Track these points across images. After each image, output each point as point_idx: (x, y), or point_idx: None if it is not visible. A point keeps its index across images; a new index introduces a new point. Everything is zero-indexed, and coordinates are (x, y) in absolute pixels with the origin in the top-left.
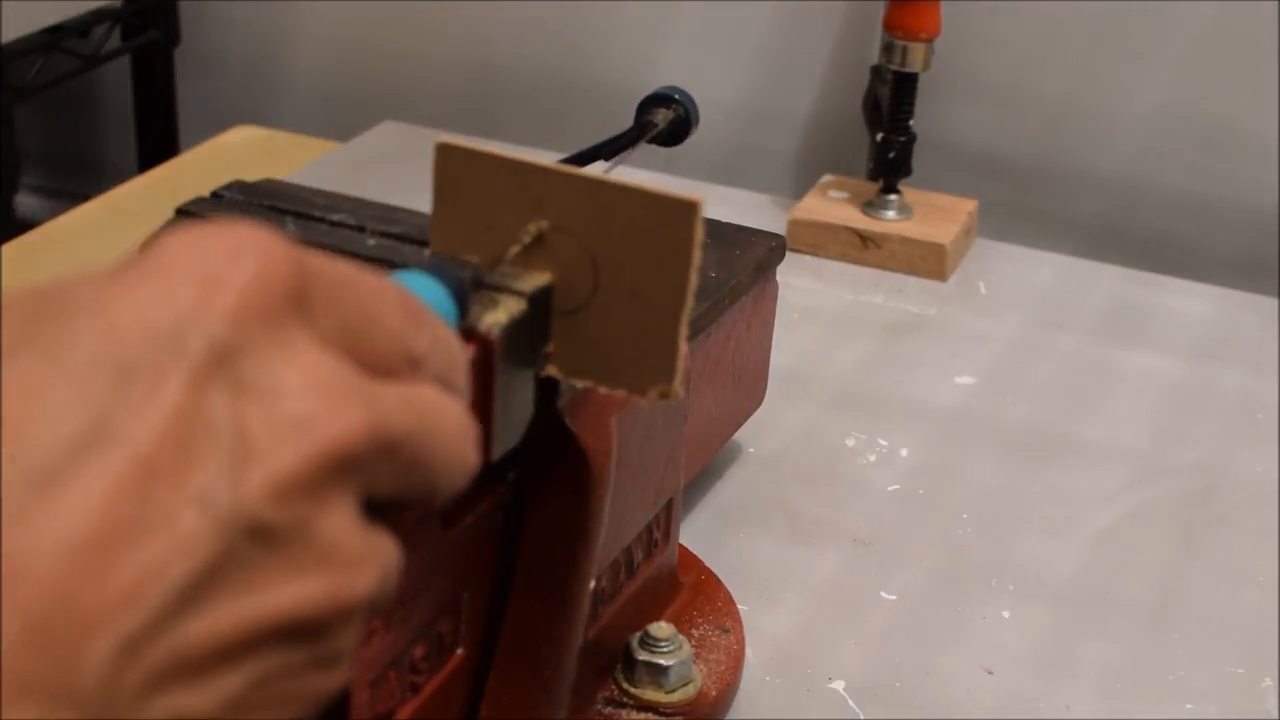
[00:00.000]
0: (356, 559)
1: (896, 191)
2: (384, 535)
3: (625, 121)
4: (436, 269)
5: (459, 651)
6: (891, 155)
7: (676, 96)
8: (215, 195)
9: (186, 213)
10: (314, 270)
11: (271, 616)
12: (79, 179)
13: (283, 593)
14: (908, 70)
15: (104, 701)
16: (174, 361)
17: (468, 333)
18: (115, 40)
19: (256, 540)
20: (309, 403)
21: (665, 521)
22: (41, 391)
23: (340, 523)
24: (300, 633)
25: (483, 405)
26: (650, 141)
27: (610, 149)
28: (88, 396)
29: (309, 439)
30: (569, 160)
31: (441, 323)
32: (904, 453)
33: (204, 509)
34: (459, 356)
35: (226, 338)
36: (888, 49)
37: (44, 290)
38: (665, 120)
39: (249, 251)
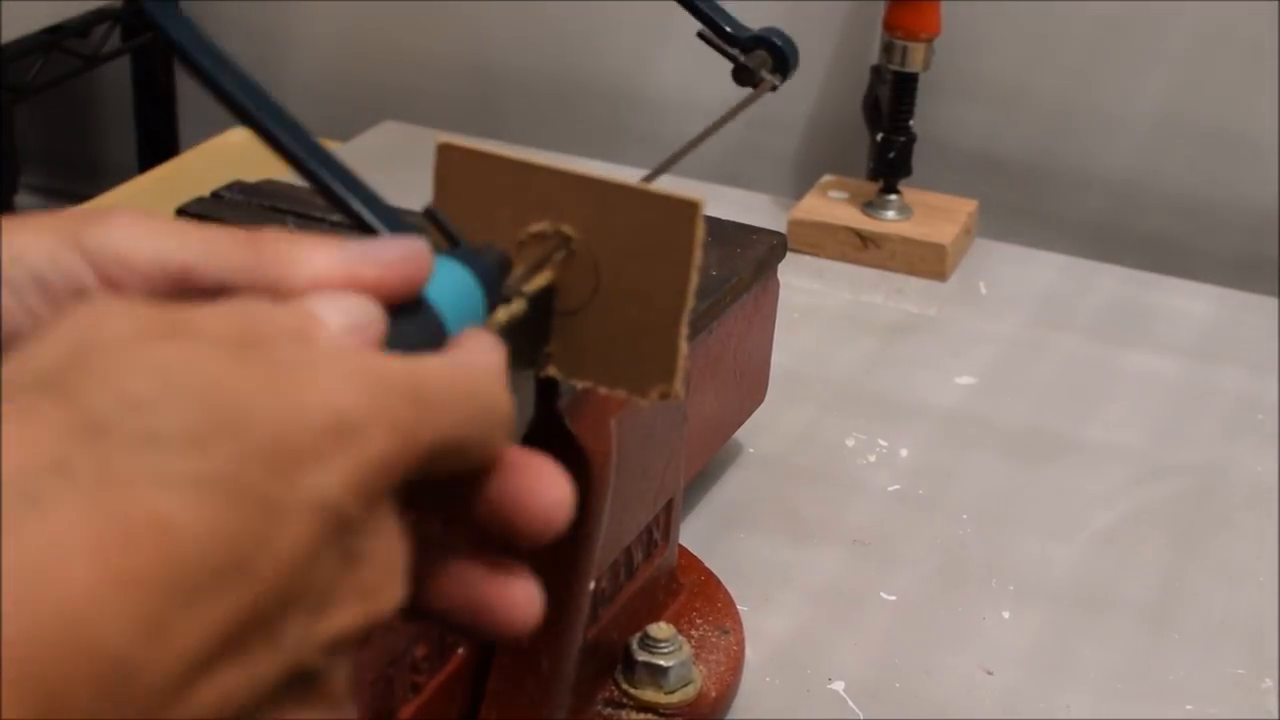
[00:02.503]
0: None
1: (896, 191)
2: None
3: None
4: (466, 255)
5: (460, 651)
6: (891, 155)
7: (778, 42)
8: (215, 195)
9: (187, 213)
10: (431, 429)
11: None
12: (79, 179)
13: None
14: (908, 70)
15: None
16: (310, 513)
17: None
18: (115, 40)
19: (296, 680)
20: (382, 577)
21: (665, 522)
22: (202, 493)
23: (346, 673)
24: None
25: None
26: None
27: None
28: (235, 520)
29: (373, 609)
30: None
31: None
32: (904, 453)
33: (277, 652)
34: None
35: (355, 509)
36: (888, 49)
37: (223, 379)
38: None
39: (384, 417)
